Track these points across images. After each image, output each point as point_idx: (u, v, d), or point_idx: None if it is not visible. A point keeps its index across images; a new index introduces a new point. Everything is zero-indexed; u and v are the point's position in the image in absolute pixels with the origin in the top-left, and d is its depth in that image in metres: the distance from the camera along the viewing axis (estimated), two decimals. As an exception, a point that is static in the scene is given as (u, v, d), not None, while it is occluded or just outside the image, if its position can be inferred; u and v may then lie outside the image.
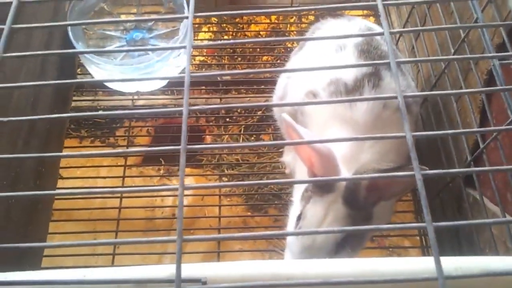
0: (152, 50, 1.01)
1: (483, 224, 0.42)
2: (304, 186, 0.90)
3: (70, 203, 1.31)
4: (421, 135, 0.50)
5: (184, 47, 0.57)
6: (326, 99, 0.95)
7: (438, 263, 0.42)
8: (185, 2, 1.19)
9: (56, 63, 1.15)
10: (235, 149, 1.64)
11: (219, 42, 0.66)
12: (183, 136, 0.51)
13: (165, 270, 0.48)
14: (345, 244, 0.80)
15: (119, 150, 1.65)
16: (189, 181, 1.62)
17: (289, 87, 1.12)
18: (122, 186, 1.34)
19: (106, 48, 1.22)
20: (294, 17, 1.83)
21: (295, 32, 1.84)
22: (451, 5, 0.97)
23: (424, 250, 1.14)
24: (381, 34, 0.57)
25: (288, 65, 1.20)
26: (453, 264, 0.48)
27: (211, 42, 1.55)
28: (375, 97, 0.53)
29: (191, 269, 0.48)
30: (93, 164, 1.53)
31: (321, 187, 0.82)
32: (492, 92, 0.80)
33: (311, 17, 1.87)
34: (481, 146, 0.82)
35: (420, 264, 0.50)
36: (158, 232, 1.43)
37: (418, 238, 1.23)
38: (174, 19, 1.10)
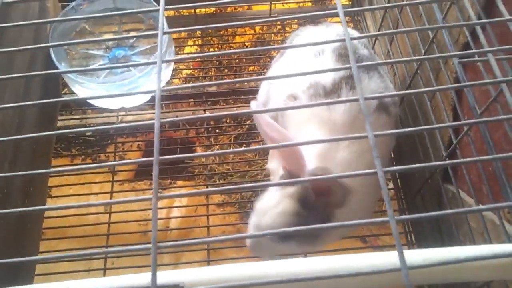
0: (127, 66, 1.04)
1: (445, 215, 0.44)
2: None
3: (61, 221, 1.33)
4: (382, 134, 0.53)
5: (155, 62, 0.59)
6: (306, 101, 0.98)
7: (401, 253, 0.44)
8: (164, 19, 1.22)
9: (40, 85, 1.17)
10: (226, 159, 1.67)
11: (193, 55, 0.68)
12: (156, 148, 0.53)
13: (143, 278, 0.50)
14: (293, 237, 0.84)
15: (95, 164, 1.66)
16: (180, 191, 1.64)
17: (271, 92, 1.14)
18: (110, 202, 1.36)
19: (88, 67, 1.24)
20: (278, 27, 1.87)
21: (279, 41, 1.87)
22: (419, 9, 1.00)
23: (410, 247, 1.16)
24: (342, 40, 0.59)
25: (270, 72, 1.23)
26: (419, 255, 0.50)
27: (182, 56, 1.58)
28: (337, 101, 0.55)
29: (168, 275, 0.50)
30: (84, 181, 1.55)
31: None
32: (459, 89, 0.82)
33: (295, 26, 1.91)
34: (454, 142, 0.85)
35: (389, 258, 0.52)
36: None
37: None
38: (149, 36, 1.12)
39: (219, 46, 1.85)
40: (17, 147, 1.01)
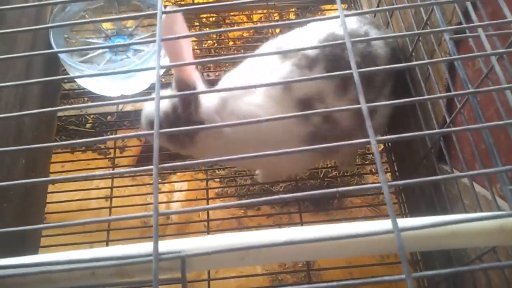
0: (129, 44, 1.05)
1: (434, 181, 0.46)
2: None
3: (63, 206, 1.35)
4: (375, 105, 0.54)
5: (154, 40, 0.61)
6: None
7: (393, 217, 0.46)
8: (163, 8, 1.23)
9: (40, 75, 1.19)
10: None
11: (194, 33, 0.71)
12: (156, 123, 0.55)
13: (145, 247, 0.52)
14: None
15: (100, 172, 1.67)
16: (180, 185, 1.65)
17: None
18: (111, 197, 1.37)
19: (89, 55, 1.26)
20: (276, 16, 1.88)
21: (277, 32, 1.89)
22: (414, -7, 1.01)
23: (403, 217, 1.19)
24: (343, 42, 0.58)
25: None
26: (412, 221, 0.52)
27: (182, 35, 1.59)
28: (332, 74, 0.56)
29: (168, 244, 0.52)
30: (86, 167, 1.56)
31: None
32: (454, 65, 0.84)
33: (292, 16, 1.92)
34: (448, 120, 0.87)
35: (383, 224, 0.53)
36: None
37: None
38: (144, 17, 1.13)
39: (217, 37, 1.87)
40: (19, 133, 1.03)
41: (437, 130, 0.85)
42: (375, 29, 1.07)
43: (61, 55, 1.19)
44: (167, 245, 0.51)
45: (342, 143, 0.53)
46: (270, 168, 1.32)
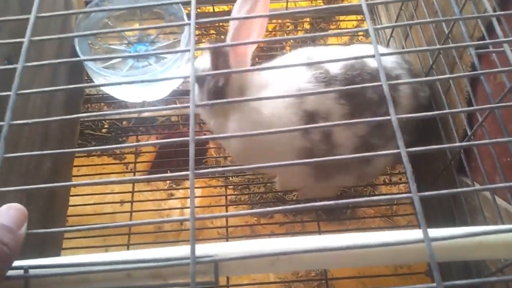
0: (159, 54, 1.07)
1: (457, 193, 0.47)
2: None
3: (81, 210, 1.37)
4: (405, 116, 0.56)
5: (188, 50, 0.63)
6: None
7: (423, 225, 0.47)
8: (185, 15, 1.26)
9: (65, 81, 1.22)
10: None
11: (221, 44, 0.73)
12: (192, 128, 0.56)
13: (180, 250, 0.53)
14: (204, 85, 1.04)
15: (127, 178, 1.70)
16: (195, 190, 1.66)
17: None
18: (132, 201, 1.39)
19: (114, 61, 1.28)
20: (290, 26, 1.90)
21: (291, 40, 1.91)
22: (435, 5, 1.03)
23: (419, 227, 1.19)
24: (372, 56, 0.60)
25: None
26: (441, 231, 0.53)
27: (213, 45, 1.62)
28: (365, 85, 0.58)
29: (203, 248, 0.53)
30: (102, 177, 1.58)
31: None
32: (475, 78, 0.85)
33: (307, 25, 1.94)
34: (469, 133, 0.88)
35: (412, 234, 0.55)
36: (167, 236, 1.48)
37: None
38: (176, 26, 1.16)
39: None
40: (45, 136, 1.05)
41: (466, 143, 0.86)
42: (409, 76, 1.03)
43: (85, 62, 1.21)
44: (202, 249, 0.52)
45: (370, 154, 0.54)
46: (283, 176, 1.34)
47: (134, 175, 1.46)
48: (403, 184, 1.44)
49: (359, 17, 1.83)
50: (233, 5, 1.00)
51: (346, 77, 0.99)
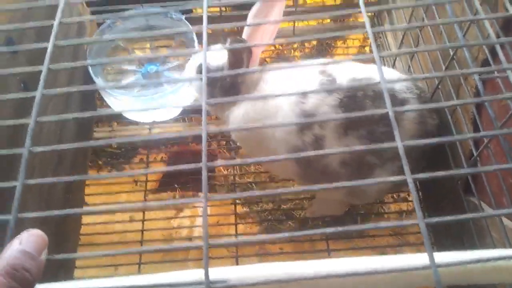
0: (182, 81, 1.10)
1: (467, 220, 0.48)
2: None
3: (89, 229, 1.39)
4: (412, 143, 0.57)
5: (201, 51, 0.65)
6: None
7: (430, 251, 0.48)
8: (194, 36, 1.29)
9: (79, 99, 1.25)
10: (247, 171, 1.71)
11: (238, 45, 0.79)
12: (204, 153, 0.58)
13: (193, 274, 0.55)
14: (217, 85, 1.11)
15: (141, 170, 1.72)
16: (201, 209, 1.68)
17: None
18: (143, 220, 1.40)
19: (125, 81, 1.31)
20: (297, 43, 1.93)
21: (298, 56, 1.94)
22: (440, 26, 1.05)
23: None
24: (377, 83, 0.62)
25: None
26: (447, 256, 0.54)
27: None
28: (371, 112, 0.59)
29: (216, 272, 0.55)
30: (113, 191, 1.61)
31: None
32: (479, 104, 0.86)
33: (313, 42, 1.97)
34: (475, 154, 0.89)
35: (418, 258, 0.56)
36: (176, 254, 1.49)
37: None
38: (188, 53, 1.19)
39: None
40: (59, 158, 1.08)
41: (472, 170, 0.87)
42: (417, 101, 1.02)
43: (97, 81, 1.24)
44: (215, 273, 0.54)
45: (377, 180, 0.55)
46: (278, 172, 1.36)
47: (145, 192, 1.48)
48: (412, 202, 1.44)
49: (366, 35, 1.85)
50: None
51: (349, 90, 1.00)
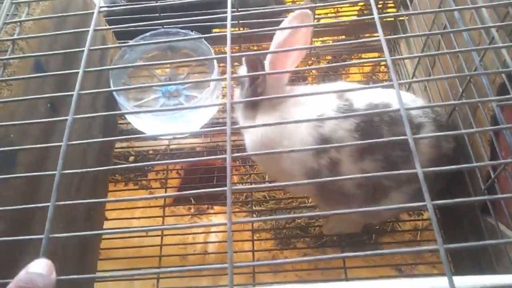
0: (196, 82, 1.13)
1: (487, 245, 0.49)
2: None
3: (106, 243, 1.42)
4: (431, 170, 0.59)
5: (224, 78, 0.67)
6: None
7: (449, 276, 0.50)
8: (213, 54, 1.32)
9: (102, 117, 1.29)
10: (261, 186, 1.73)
11: (257, 73, 0.81)
12: (228, 177, 0.60)
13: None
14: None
15: (163, 194, 1.74)
16: (218, 219, 1.70)
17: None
18: (162, 235, 1.42)
19: (144, 99, 1.35)
20: (313, 58, 1.95)
21: (314, 72, 1.96)
22: (456, 48, 1.06)
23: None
24: (397, 110, 0.63)
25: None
26: (466, 281, 0.55)
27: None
28: (391, 139, 0.61)
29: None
30: (132, 205, 1.64)
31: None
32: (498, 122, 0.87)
33: (329, 57, 1.99)
34: (492, 176, 0.90)
35: (435, 282, 0.57)
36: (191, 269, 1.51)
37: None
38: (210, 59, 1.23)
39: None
40: (82, 175, 1.11)
41: (493, 197, 0.87)
42: (433, 125, 1.02)
43: (119, 99, 1.28)
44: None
45: (396, 206, 0.57)
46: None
47: (164, 208, 1.51)
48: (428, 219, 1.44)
49: (378, 54, 1.86)
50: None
51: (365, 114, 1.01)
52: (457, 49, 0.89)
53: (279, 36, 1.08)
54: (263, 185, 0.68)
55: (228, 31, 0.71)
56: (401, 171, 0.59)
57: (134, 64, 1.34)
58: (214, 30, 1.54)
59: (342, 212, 0.56)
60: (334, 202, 1.13)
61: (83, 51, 0.73)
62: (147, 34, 1.36)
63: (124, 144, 1.81)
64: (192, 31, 1.34)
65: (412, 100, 1.08)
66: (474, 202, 0.53)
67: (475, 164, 0.53)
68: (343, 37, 1.96)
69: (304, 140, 1.04)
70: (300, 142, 1.05)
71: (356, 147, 1.01)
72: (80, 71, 0.72)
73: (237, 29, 1.56)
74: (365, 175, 0.90)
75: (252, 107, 1.15)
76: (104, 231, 0.62)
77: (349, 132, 1.00)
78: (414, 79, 1.14)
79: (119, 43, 1.46)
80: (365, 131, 1.00)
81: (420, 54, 0.94)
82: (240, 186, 1.64)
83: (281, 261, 0.53)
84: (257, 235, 1.64)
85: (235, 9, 1.40)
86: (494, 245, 0.48)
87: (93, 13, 0.78)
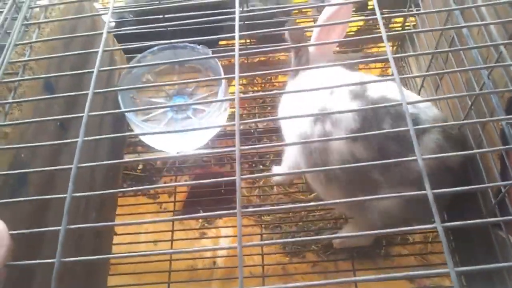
0: (206, 103, 1.13)
1: (497, 268, 0.49)
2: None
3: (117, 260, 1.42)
4: (441, 192, 0.58)
5: (233, 99, 0.67)
6: None
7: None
8: (221, 69, 1.32)
9: (110, 130, 1.29)
10: (269, 196, 1.72)
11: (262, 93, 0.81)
12: (238, 200, 0.60)
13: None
14: None
15: (174, 217, 1.74)
16: (227, 230, 1.70)
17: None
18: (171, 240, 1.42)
19: (152, 114, 1.36)
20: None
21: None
22: (464, 62, 1.06)
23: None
24: (400, 104, 0.65)
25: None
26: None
27: (255, 94, 1.69)
28: (401, 160, 0.61)
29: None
30: (141, 218, 1.64)
31: None
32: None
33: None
34: (503, 190, 0.89)
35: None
36: (200, 282, 1.51)
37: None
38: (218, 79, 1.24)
39: (263, 85, 1.96)
40: (90, 189, 1.12)
41: (506, 219, 0.87)
42: (439, 135, 1.00)
43: (127, 114, 1.29)
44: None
45: (406, 228, 0.57)
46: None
47: (173, 222, 1.51)
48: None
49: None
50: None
51: (365, 104, 1.03)
52: (465, 68, 0.89)
53: (326, 12, 1.18)
54: (272, 208, 0.68)
55: (237, 53, 0.72)
56: (417, 206, 0.58)
57: (141, 85, 1.36)
58: (221, 42, 1.55)
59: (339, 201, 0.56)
60: (327, 178, 1.13)
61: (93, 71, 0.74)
62: (155, 48, 1.37)
63: (134, 154, 1.82)
64: (199, 45, 1.35)
65: (427, 107, 1.06)
66: (487, 224, 0.52)
67: (484, 186, 0.53)
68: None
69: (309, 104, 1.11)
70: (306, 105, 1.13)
71: (351, 127, 1.02)
72: (90, 92, 0.73)
73: (243, 41, 1.57)
74: (361, 164, 0.89)
75: (293, 78, 1.29)
76: (113, 255, 0.63)
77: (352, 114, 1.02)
78: (423, 99, 1.13)
79: (127, 57, 1.47)
80: (367, 117, 1.00)
81: (429, 73, 0.95)
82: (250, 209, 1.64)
83: (291, 275, 0.53)
84: (266, 246, 1.63)
85: (242, 22, 1.41)
86: (504, 255, 0.47)
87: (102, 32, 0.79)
